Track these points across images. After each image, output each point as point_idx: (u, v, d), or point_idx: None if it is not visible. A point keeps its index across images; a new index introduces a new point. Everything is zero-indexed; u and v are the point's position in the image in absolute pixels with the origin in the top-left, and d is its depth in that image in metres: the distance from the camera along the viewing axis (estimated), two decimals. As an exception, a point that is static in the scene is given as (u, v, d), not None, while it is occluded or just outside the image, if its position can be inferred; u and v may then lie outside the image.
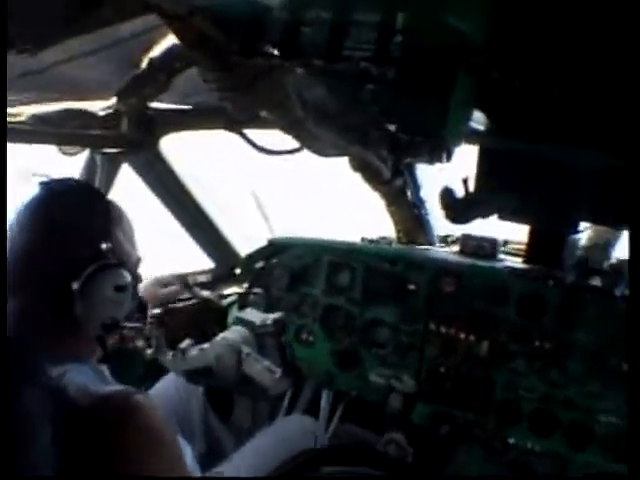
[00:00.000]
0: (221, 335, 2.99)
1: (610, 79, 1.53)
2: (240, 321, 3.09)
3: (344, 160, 3.20)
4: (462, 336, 3.37)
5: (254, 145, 2.87)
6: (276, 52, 1.95)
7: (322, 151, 2.76)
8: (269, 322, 2.86)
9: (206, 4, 1.78)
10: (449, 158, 2.62)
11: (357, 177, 3.22)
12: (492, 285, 3.27)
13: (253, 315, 3.13)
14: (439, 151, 2.55)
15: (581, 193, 2.33)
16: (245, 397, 3.41)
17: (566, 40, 1.45)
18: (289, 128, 2.55)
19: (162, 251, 3.16)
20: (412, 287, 3.49)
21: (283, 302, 3.80)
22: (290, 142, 2.79)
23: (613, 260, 3.02)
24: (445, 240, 3.94)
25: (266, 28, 1.89)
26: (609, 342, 2.99)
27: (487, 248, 3.46)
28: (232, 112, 2.34)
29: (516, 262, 3.42)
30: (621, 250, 3.09)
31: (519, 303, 3.20)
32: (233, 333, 3.02)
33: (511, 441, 3.27)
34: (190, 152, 3.24)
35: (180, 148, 3.10)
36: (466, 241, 3.53)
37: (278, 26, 1.85)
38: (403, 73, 1.76)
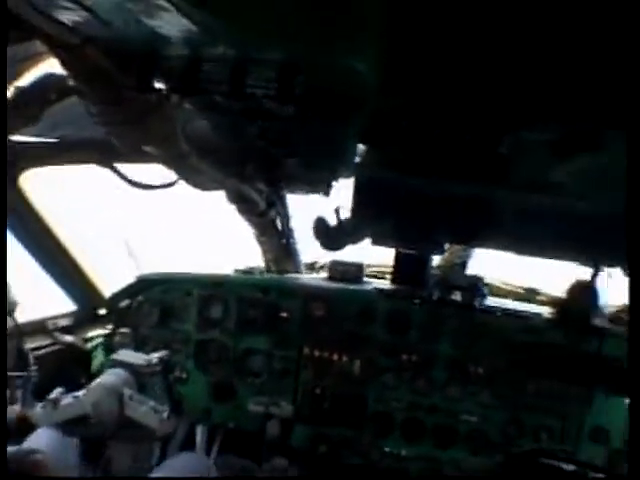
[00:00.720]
0: (97, 380, 2.83)
1: (483, 122, 1.79)
2: (117, 363, 2.95)
3: (213, 193, 3.24)
4: (335, 357, 3.55)
5: (127, 180, 2.80)
6: (172, 87, 1.97)
7: (202, 185, 2.79)
8: (155, 361, 2.77)
9: (101, 34, 1.73)
10: (329, 190, 2.82)
11: (230, 209, 3.27)
12: (361, 306, 3.51)
13: (130, 356, 3.01)
14: (323, 183, 2.73)
15: (446, 218, 2.63)
16: (125, 442, 3.22)
17: (451, 88, 1.68)
18: (172, 162, 2.54)
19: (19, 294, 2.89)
20: (285, 314, 3.60)
21: (152, 340, 3.68)
22: (161, 176, 2.78)
23: (469, 276, 3.42)
24: (312, 267, 4.13)
25: (164, 62, 1.89)
26: (468, 350, 3.38)
27: (354, 272, 3.70)
28: (117, 146, 2.28)
29: (381, 283, 3.69)
30: (474, 267, 3.51)
31: (387, 321, 3.47)
32: (111, 376, 2.86)
33: (386, 450, 3.51)
34: (53, 188, 3.03)
35: (42, 183, 2.89)
36: (334, 267, 3.74)
37: (178, 61, 1.87)
38: (302, 110, 1.87)
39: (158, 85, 2.02)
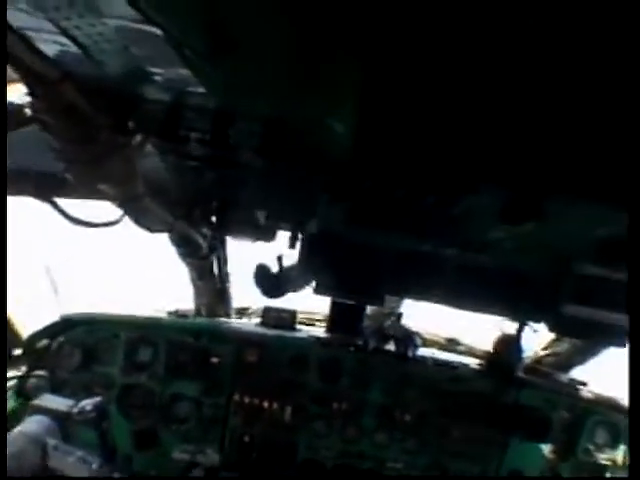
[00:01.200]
0: (17, 429, 2.63)
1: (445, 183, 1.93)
2: (39, 410, 2.76)
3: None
4: (266, 404, 3.53)
5: (67, 216, 2.70)
6: (151, 131, 1.97)
7: (149, 225, 2.74)
8: (89, 407, 2.63)
9: (83, 70, 1.71)
10: (274, 237, 2.87)
11: (168, 251, 3.21)
12: (294, 354, 3.53)
13: (53, 401, 2.83)
14: (271, 231, 2.78)
15: (390, 271, 2.75)
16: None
17: (417, 153, 1.81)
18: (125, 202, 2.49)
19: None
20: (216, 360, 3.55)
21: (71, 384, 3.48)
22: (100, 211, 2.70)
23: (404, 327, 3.55)
24: (244, 312, 4.11)
25: (145, 105, 1.90)
26: (397, 398, 3.49)
27: (287, 319, 3.73)
28: (73, 183, 2.22)
29: (313, 331, 3.74)
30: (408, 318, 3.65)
31: (319, 369, 3.51)
32: (32, 424, 2.68)
33: None
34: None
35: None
36: (267, 313, 3.74)
37: (159, 105, 1.88)
38: (278, 164, 1.93)
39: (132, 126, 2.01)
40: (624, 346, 2.73)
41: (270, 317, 3.73)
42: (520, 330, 3.16)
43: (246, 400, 3.54)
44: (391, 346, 3.45)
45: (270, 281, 3.13)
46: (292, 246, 2.54)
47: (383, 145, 1.79)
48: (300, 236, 2.80)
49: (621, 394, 3.55)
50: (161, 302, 3.81)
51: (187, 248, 3.08)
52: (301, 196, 2.14)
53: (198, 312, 3.87)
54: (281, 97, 1.53)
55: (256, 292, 3.16)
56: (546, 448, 3.50)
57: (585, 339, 3.23)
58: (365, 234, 2.56)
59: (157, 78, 1.69)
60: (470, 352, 3.92)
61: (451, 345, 4.02)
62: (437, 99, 1.63)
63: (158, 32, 1.35)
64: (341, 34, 1.40)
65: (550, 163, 1.76)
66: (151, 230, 2.79)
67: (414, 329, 3.53)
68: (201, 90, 1.69)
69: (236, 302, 4.05)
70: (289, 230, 2.58)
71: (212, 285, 3.64)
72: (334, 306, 3.67)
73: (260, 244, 3.01)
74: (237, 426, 3.55)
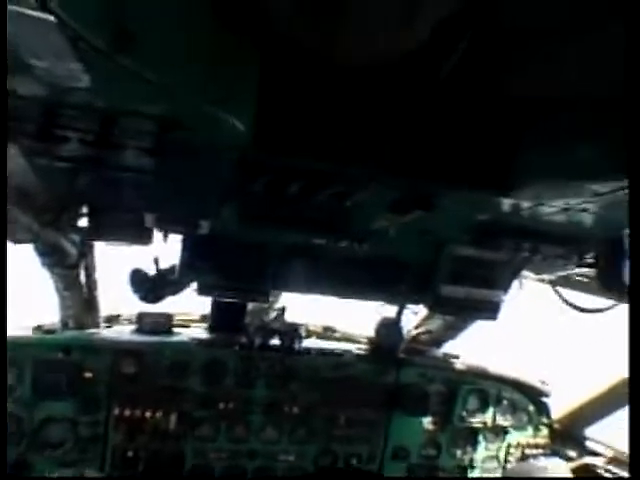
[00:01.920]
0: None
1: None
2: None
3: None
4: (149, 415, 3.35)
5: None
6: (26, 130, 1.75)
7: (14, 235, 2.46)
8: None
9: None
10: (151, 241, 2.72)
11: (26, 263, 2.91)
12: (174, 358, 3.38)
13: None
14: (147, 235, 2.62)
15: (274, 267, 2.73)
16: None
17: (314, 147, 1.81)
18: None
19: None
20: (90, 374, 3.29)
21: None
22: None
23: (288, 321, 3.54)
24: (115, 320, 3.84)
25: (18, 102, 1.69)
26: (284, 391, 3.50)
27: (163, 323, 3.56)
28: None
29: (193, 333, 3.61)
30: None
31: (203, 371, 3.41)
32: None
33: None
34: None
35: None
36: (142, 319, 3.55)
37: (34, 102, 1.68)
38: (171, 164, 1.81)
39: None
40: (495, 319, 2.98)
41: (145, 323, 3.54)
42: (400, 313, 3.32)
43: (127, 413, 3.33)
44: (276, 340, 3.45)
45: (147, 285, 2.97)
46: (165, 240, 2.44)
47: (280, 140, 1.76)
48: (182, 239, 2.69)
49: (488, 363, 3.89)
50: (21, 318, 3.45)
51: (54, 257, 2.81)
52: (194, 197, 2.05)
53: (65, 325, 3.55)
54: (177, 94, 1.44)
55: (133, 298, 2.99)
56: (426, 421, 3.72)
57: (461, 316, 3.48)
58: (254, 232, 2.52)
59: (37, 72, 1.51)
60: (348, 338, 4.03)
61: (328, 333, 4.11)
62: (334, 94, 1.66)
63: (50, 21, 1.20)
64: (239, 26, 1.35)
65: (435, 157, 1.86)
66: (15, 241, 2.51)
67: (297, 321, 3.56)
68: (88, 87, 1.54)
69: (110, 310, 3.79)
70: (179, 232, 2.47)
71: (79, 295, 3.36)
72: (215, 305, 3.58)
73: (131, 247, 2.85)
74: (119, 442, 3.34)
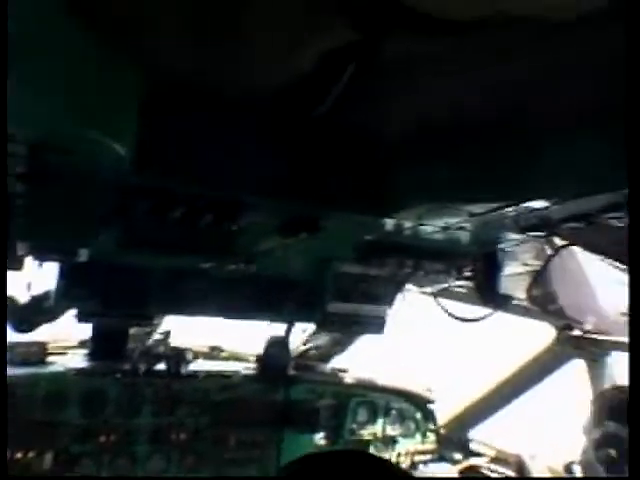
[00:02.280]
0: None
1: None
2: None
3: None
4: (19, 455, 3.06)
5: None
6: None
7: None
8: None
9: None
10: (21, 266, 2.50)
11: None
12: (50, 390, 3.13)
13: None
14: (18, 260, 2.41)
15: (158, 291, 2.61)
16: None
17: (195, 171, 1.75)
18: None
19: None
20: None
21: None
22: None
23: (174, 345, 3.39)
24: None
25: None
26: (171, 417, 3.34)
27: (37, 352, 3.28)
28: None
29: (69, 361, 3.36)
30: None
31: (80, 403, 3.17)
32: None
33: None
34: None
35: None
36: (12, 349, 3.24)
37: None
38: (52, 189, 1.67)
39: None
40: (381, 333, 3.05)
41: (16, 353, 3.24)
42: (288, 331, 3.30)
43: (-6, 456, 3.03)
44: (162, 365, 3.30)
45: (19, 314, 2.73)
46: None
47: (161, 164, 1.69)
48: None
49: (376, 375, 3.98)
50: None
51: None
52: (71, 224, 1.90)
53: None
54: (54, 117, 1.33)
55: None
56: (318, 436, 3.73)
57: (348, 332, 3.52)
58: (135, 256, 2.39)
59: None
60: (236, 357, 3.95)
61: (215, 352, 4.00)
62: (215, 121, 1.61)
63: None
64: (121, 52, 1.28)
65: (318, 181, 1.87)
66: None
67: (182, 344, 3.43)
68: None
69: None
70: (56, 260, 2.29)
71: None
72: (95, 331, 3.34)
73: None
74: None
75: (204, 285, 2.71)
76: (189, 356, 3.37)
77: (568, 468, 2.46)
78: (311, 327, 3.56)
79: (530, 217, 1.93)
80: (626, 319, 2.86)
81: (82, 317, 2.63)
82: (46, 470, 3.10)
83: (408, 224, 2.15)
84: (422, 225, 2.17)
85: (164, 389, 3.32)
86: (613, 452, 2.09)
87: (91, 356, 3.36)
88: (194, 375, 3.42)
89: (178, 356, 3.28)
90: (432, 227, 2.19)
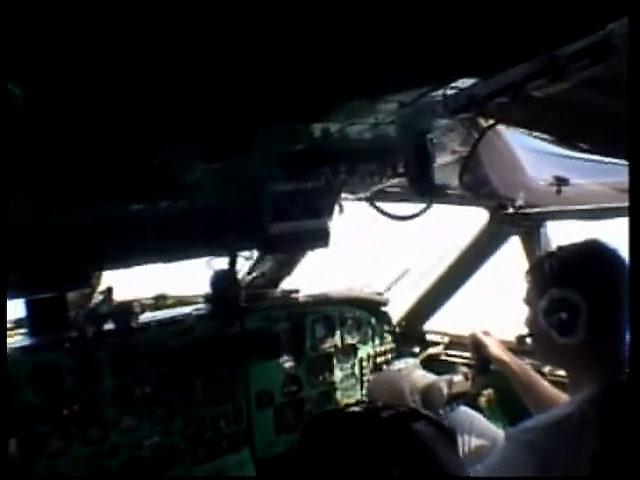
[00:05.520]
0: None
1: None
2: None
3: None
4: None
5: None
6: None
7: None
8: None
9: None
10: None
11: None
12: None
13: None
14: None
15: (90, 249, 2.45)
16: None
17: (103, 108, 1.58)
18: None
19: None
20: None
21: None
22: None
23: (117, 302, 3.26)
24: None
25: None
26: (132, 374, 3.26)
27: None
28: None
29: (15, 342, 3.16)
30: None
31: (34, 381, 3.02)
32: None
33: None
34: None
35: None
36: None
37: None
38: None
39: None
40: (326, 246, 3.03)
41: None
42: (233, 262, 3.22)
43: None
44: (110, 324, 3.17)
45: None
46: None
47: (63, 100, 1.51)
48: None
49: (327, 289, 4.01)
50: None
51: None
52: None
53: None
54: None
55: None
56: (281, 360, 3.76)
57: (293, 251, 3.48)
58: (56, 218, 2.21)
59: None
60: (183, 301, 3.85)
61: (161, 302, 3.88)
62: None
63: None
64: None
65: (242, 97, 1.74)
66: None
67: (127, 298, 3.30)
68: None
69: None
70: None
71: None
72: (30, 306, 3.13)
73: None
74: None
75: (136, 232, 2.57)
76: (136, 309, 3.24)
77: (520, 340, 2.55)
78: (254, 255, 3.50)
79: (458, 98, 1.90)
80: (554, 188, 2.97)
81: (12, 294, 2.44)
82: (14, 455, 2.98)
83: (337, 126, 2.08)
84: (353, 125, 2.10)
85: (117, 348, 3.20)
86: (564, 315, 2.17)
87: (33, 332, 3.17)
88: (145, 327, 3.32)
89: (124, 311, 3.16)
90: (362, 125, 2.13)
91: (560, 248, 2.68)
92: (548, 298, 2.22)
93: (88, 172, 1.80)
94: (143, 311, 3.52)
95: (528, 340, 2.50)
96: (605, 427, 1.96)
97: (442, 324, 4.17)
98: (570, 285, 2.19)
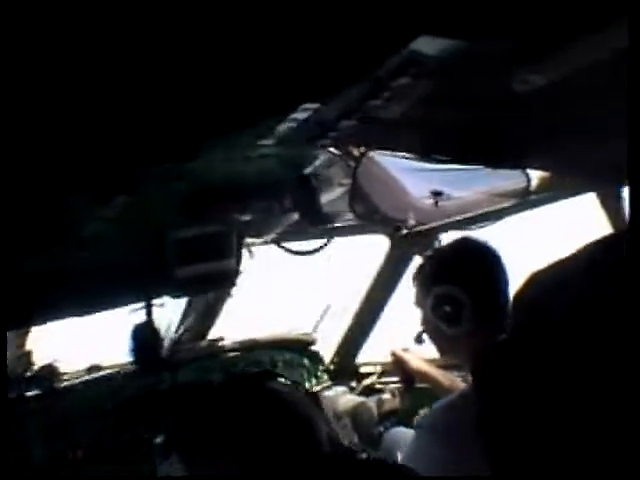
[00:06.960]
0: None
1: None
2: None
3: None
4: None
5: None
6: None
7: None
8: None
9: None
10: None
11: None
12: None
13: None
14: None
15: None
16: None
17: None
18: None
19: None
20: None
21: None
22: None
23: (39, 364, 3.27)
24: None
25: None
26: (64, 439, 3.23)
27: None
28: None
29: None
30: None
31: None
32: None
33: None
34: None
35: None
36: None
37: None
38: None
39: None
40: (233, 286, 3.18)
41: None
42: (149, 312, 3.30)
43: None
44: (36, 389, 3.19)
45: None
46: None
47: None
48: None
49: (252, 333, 4.12)
50: None
51: None
52: None
53: None
54: None
55: None
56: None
57: (201, 292, 3.56)
58: None
59: None
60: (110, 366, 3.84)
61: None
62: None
63: None
64: None
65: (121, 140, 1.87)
66: None
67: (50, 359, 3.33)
68: None
69: None
70: None
71: None
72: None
73: None
74: None
75: (43, 289, 2.65)
76: (59, 369, 3.28)
77: (418, 337, 2.78)
78: (177, 312, 3.60)
79: (309, 125, 2.09)
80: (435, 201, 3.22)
81: None
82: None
83: (218, 164, 2.25)
84: (230, 162, 2.28)
85: (45, 412, 3.21)
86: (447, 308, 2.42)
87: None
88: (74, 389, 3.34)
89: (48, 374, 3.19)
90: (242, 162, 2.30)
91: (436, 250, 2.99)
92: (433, 295, 2.48)
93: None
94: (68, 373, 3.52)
95: (424, 336, 2.72)
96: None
97: (374, 354, 4.31)
98: (449, 281, 2.47)
